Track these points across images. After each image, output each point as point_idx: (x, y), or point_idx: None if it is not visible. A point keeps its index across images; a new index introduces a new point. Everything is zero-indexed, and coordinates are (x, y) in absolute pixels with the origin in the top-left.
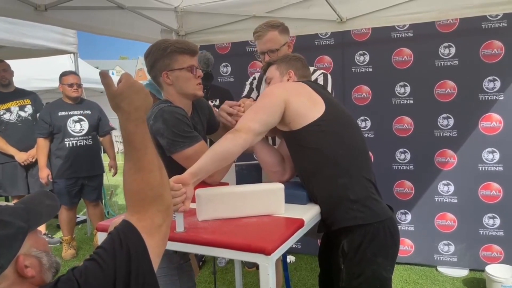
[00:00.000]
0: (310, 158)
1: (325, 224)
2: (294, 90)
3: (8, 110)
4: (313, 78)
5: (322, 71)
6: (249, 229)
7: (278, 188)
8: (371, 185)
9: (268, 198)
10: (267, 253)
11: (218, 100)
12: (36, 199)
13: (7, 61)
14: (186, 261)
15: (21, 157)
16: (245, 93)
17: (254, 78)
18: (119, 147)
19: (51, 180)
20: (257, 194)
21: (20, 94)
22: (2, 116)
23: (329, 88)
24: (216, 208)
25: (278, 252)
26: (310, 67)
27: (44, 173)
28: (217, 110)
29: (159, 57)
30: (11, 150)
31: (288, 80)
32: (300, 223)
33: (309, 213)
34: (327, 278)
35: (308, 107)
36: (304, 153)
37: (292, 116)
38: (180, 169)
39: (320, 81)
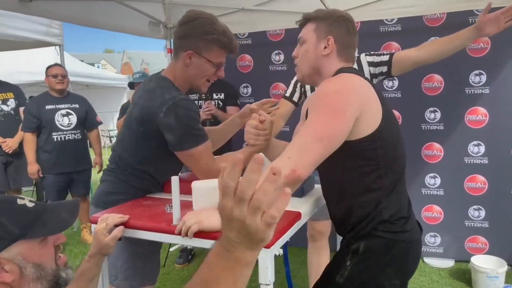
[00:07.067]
0: (357, 178)
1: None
2: (366, 96)
3: None
4: None
5: None
6: None
7: None
8: (406, 202)
9: None
10: (267, 246)
11: (223, 94)
12: (58, 208)
13: None
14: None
15: (8, 144)
16: (288, 93)
17: None
18: (105, 141)
19: (41, 176)
20: None
21: (3, 86)
22: None
23: None
24: (212, 200)
25: (277, 245)
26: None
27: (33, 168)
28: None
29: (196, 36)
30: None
31: (324, 48)
32: (297, 216)
33: (305, 206)
34: None
35: (374, 115)
36: (352, 169)
37: (353, 128)
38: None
39: None
